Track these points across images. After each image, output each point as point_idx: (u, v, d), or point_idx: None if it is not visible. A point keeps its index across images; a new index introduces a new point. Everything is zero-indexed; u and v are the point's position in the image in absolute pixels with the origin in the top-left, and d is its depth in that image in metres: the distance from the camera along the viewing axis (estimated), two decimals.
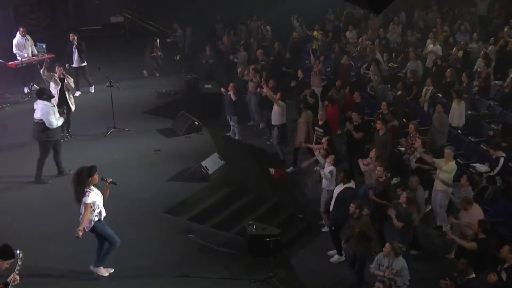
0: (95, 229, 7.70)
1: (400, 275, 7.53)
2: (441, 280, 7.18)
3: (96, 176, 7.71)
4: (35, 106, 10.39)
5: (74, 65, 14.87)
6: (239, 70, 15.95)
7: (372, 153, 10.09)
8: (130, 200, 9.84)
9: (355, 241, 8.36)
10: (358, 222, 8.25)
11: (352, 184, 9.10)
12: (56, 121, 10.28)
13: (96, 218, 7.64)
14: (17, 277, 5.85)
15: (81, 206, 7.60)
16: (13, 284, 5.83)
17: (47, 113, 10.14)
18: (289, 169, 12.49)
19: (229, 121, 13.88)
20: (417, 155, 10.20)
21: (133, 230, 9.02)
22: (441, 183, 9.60)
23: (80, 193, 7.54)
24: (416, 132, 10.92)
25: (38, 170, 10.39)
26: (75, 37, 14.90)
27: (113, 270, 7.97)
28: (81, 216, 7.56)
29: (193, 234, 9.06)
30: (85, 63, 15.04)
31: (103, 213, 7.77)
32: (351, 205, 8.31)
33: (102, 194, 7.79)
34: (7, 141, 12.13)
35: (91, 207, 7.53)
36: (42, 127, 10.19)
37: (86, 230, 7.67)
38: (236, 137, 13.92)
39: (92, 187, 7.63)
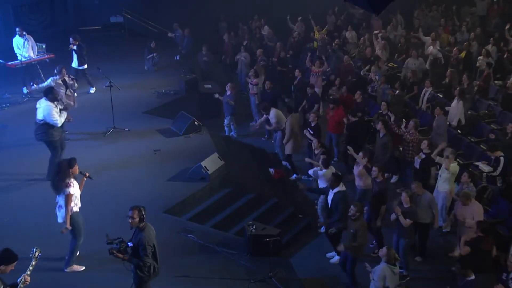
0: (72, 221, 7.81)
1: (372, 279, 7.42)
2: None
3: (76, 167, 7.84)
4: (37, 106, 10.29)
5: (72, 66, 14.84)
6: (250, 72, 15.72)
7: (361, 156, 9.90)
8: (129, 200, 9.80)
9: (348, 241, 8.34)
10: (355, 223, 8.22)
11: (341, 187, 8.96)
12: (60, 118, 10.22)
13: (74, 209, 7.79)
14: (28, 278, 5.75)
15: (59, 198, 7.76)
16: (22, 285, 5.71)
17: (50, 113, 10.08)
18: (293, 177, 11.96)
19: (225, 120, 13.74)
20: (422, 156, 10.15)
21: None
22: (443, 184, 9.57)
23: (60, 184, 7.66)
24: (415, 130, 10.80)
25: (50, 170, 10.26)
26: (75, 41, 14.66)
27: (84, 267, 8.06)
28: (62, 208, 7.72)
29: (193, 234, 9.06)
30: (85, 66, 14.92)
31: (79, 205, 7.92)
32: (352, 207, 8.17)
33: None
34: (6, 141, 12.12)
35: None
36: (45, 128, 10.15)
37: (61, 221, 7.82)
38: (233, 134, 13.74)
39: (72, 179, 7.74)
